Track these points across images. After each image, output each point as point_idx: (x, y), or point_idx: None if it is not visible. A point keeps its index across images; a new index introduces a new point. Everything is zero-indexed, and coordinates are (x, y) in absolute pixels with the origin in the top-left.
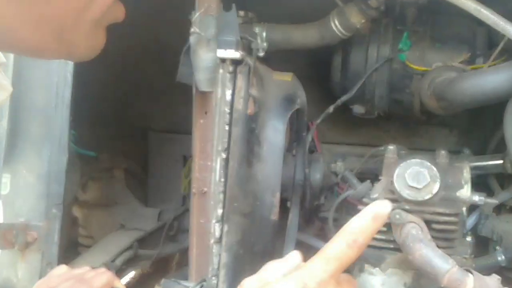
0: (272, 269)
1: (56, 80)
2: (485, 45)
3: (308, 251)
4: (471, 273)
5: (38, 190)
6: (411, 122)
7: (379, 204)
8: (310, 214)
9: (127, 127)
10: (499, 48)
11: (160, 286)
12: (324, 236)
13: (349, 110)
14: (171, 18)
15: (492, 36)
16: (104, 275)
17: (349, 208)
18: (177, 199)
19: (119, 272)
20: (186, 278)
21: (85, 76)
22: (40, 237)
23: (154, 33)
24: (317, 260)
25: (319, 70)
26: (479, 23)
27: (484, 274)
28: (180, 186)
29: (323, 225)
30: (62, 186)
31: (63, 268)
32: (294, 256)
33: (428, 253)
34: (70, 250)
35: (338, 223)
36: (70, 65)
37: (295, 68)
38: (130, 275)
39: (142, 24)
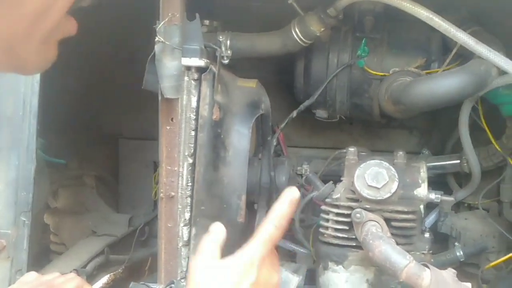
0: (208, 249)
1: (23, 89)
2: (439, 50)
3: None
4: (428, 267)
5: (6, 198)
6: (373, 125)
7: (290, 191)
8: None
9: (98, 134)
10: (453, 53)
11: None
12: (292, 236)
13: (313, 114)
14: (140, 28)
15: (446, 42)
16: (74, 280)
17: (315, 209)
18: (148, 204)
19: (91, 278)
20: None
21: (55, 84)
22: (8, 244)
23: (123, 41)
24: (256, 242)
25: (283, 77)
26: (434, 29)
27: (443, 269)
28: (151, 191)
29: (290, 225)
30: (30, 193)
31: (32, 275)
32: (218, 227)
33: (387, 249)
34: (42, 257)
35: (305, 224)
36: (37, 75)
37: (260, 75)
38: (103, 280)
39: (112, 33)
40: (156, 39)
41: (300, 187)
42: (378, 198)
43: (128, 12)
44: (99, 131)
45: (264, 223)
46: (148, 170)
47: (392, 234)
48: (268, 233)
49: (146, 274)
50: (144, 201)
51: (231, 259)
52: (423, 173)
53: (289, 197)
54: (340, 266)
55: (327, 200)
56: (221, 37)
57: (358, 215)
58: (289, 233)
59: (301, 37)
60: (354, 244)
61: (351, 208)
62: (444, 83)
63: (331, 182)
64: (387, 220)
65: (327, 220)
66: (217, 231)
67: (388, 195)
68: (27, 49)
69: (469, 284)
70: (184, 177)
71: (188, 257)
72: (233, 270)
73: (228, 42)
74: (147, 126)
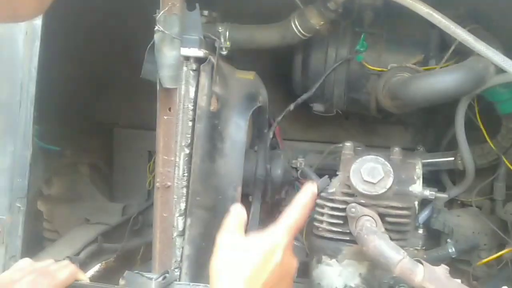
0: (235, 226)
1: (20, 75)
2: (437, 47)
3: None
4: (421, 263)
5: (2, 184)
6: (369, 120)
7: (311, 184)
8: (271, 208)
9: (93, 122)
10: (451, 50)
11: (124, 279)
12: None
13: (310, 108)
14: (138, 16)
15: (444, 38)
16: (68, 267)
17: None
18: (142, 194)
19: (83, 266)
20: (150, 271)
21: (52, 71)
22: (3, 230)
23: (122, 30)
24: (282, 226)
25: (281, 69)
26: (432, 25)
27: (435, 265)
28: (145, 181)
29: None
30: (25, 180)
31: (26, 261)
32: (238, 209)
33: (381, 244)
34: (35, 244)
35: None
36: (34, 61)
37: (258, 67)
38: (95, 268)
39: (110, 21)
40: (156, 28)
41: (295, 180)
42: (373, 193)
43: (126, 1)
44: (94, 119)
45: (288, 211)
46: (143, 159)
47: (386, 229)
48: (293, 219)
49: (139, 263)
50: (138, 190)
51: (258, 238)
52: (419, 170)
53: (310, 189)
54: (334, 260)
55: (322, 194)
56: (220, 28)
57: (353, 209)
58: None
59: (301, 30)
60: (348, 238)
61: (346, 202)
62: (443, 79)
63: (326, 176)
64: (382, 216)
65: (322, 214)
66: (239, 212)
67: (383, 190)
68: None
69: (459, 280)
70: (181, 167)
71: (183, 247)
72: (261, 249)
73: (227, 33)
74: (142, 116)
